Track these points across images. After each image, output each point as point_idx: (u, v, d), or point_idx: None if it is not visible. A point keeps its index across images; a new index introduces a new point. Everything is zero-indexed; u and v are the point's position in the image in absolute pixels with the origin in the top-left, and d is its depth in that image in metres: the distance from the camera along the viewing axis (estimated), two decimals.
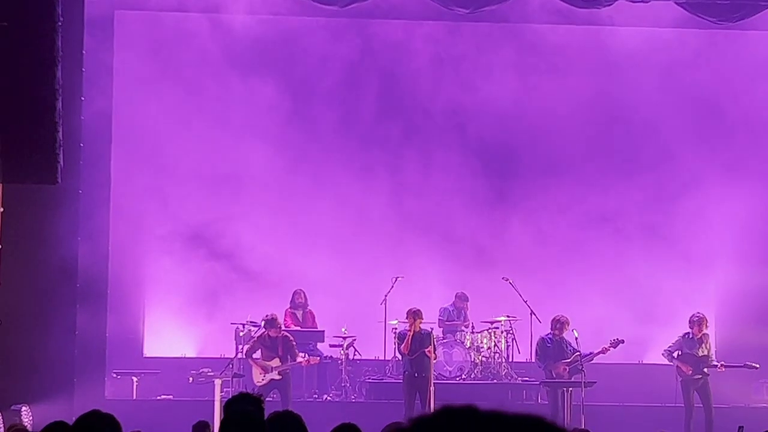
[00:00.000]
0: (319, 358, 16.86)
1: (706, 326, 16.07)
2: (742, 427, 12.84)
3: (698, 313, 16.09)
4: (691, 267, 18.83)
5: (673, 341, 16.11)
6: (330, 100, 19.00)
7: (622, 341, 15.91)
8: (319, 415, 11.81)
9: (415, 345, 15.65)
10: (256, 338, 16.35)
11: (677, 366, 15.91)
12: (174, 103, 18.44)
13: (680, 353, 15.94)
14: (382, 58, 19.03)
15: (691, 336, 15.98)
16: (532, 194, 19.13)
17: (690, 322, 16.02)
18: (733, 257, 18.69)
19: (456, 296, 18.12)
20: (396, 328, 17.17)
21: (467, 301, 18.07)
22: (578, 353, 15.87)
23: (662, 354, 16.14)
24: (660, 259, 18.86)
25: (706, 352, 15.97)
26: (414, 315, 15.66)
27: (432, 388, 15.40)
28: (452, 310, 18.10)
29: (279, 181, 18.80)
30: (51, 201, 15.54)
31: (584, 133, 19.20)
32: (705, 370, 15.90)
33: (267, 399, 14.80)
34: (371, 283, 17.86)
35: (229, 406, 6.17)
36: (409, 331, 15.67)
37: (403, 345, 15.66)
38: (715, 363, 16.04)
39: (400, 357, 16.30)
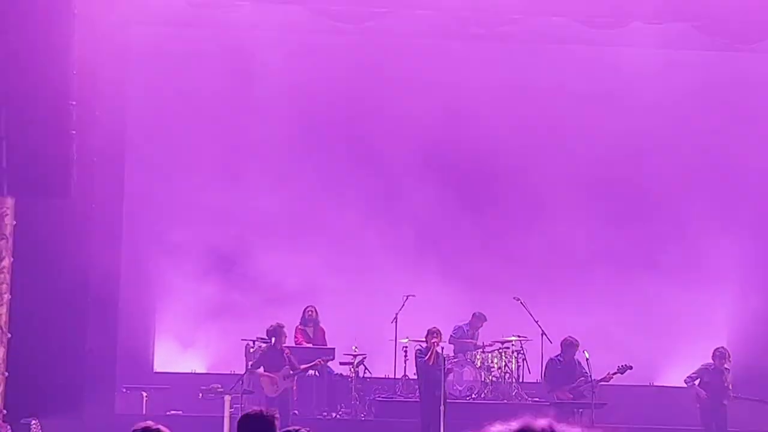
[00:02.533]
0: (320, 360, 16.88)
1: (729, 361, 16.34)
2: None
3: (721, 347, 16.54)
4: (703, 294, 18.75)
5: (696, 369, 16.47)
6: (344, 120, 19.01)
7: (630, 368, 15.81)
8: None
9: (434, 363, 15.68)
10: (260, 354, 16.39)
11: (696, 393, 16.25)
12: (187, 118, 18.48)
13: (701, 381, 16.31)
14: (397, 78, 18.86)
15: (713, 367, 16.32)
16: (545, 218, 19.04)
17: (713, 355, 16.39)
18: (745, 285, 18.66)
19: (473, 315, 18.03)
20: (406, 347, 17.17)
21: (485, 321, 17.99)
22: (582, 379, 15.80)
23: (684, 380, 16.48)
24: (672, 286, 18.73)
25: (726, 384, 16.20)
26: (438, 334, 15.79)
27: (443, 408, 15.35)
28: (467, 329, 18.05)
29: (292, 200, 18.79)
30: (64, 215, 15.55)
31: (595, 161, 18.99)
32: (724, 402, 16.18)
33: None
34: (382, 302, 17.81)
35: (243, 424, 6.04)
36: (436, 346, 15.68)
37: (427, 357, 15.65)
38: (733, 395, 16.31)
39: (415, 374, 16.27)
